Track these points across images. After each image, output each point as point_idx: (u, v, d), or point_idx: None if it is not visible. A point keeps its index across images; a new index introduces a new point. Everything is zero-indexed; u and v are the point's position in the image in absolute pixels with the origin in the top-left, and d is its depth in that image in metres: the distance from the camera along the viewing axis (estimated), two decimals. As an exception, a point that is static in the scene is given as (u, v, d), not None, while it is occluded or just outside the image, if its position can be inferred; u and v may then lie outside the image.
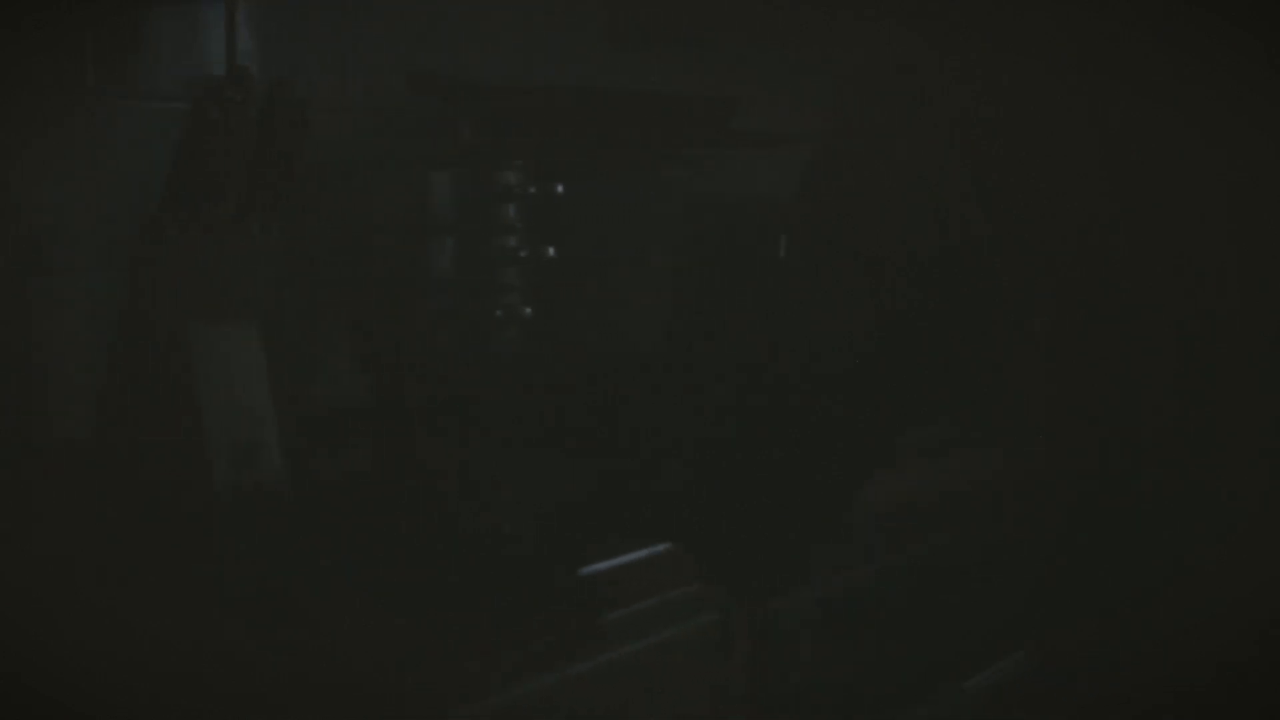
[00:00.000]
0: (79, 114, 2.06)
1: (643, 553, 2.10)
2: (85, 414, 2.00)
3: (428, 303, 2.29)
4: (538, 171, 2.33)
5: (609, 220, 2.47)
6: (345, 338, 2.26)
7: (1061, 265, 3.52)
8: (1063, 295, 3.52)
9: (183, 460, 1.91)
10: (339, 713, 1.64)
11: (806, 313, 2.74)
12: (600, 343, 2.45)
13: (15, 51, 1.99)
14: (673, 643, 2.07)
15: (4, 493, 1.90)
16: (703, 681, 2.15)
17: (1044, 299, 3.50)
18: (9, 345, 2.04)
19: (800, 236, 2.78)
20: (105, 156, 2.07)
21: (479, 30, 2.58)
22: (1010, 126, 3.51)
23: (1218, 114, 3.36)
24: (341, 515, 2.01)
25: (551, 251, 2.34)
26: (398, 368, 2.25)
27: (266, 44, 2.25)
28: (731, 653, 2.18)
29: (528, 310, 2.33)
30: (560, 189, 2.35)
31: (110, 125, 2.09)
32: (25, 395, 2.02)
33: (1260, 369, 3.40)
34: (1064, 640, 3.10)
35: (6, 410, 2.03)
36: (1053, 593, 3.17)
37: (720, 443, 2.46)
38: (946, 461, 3.01)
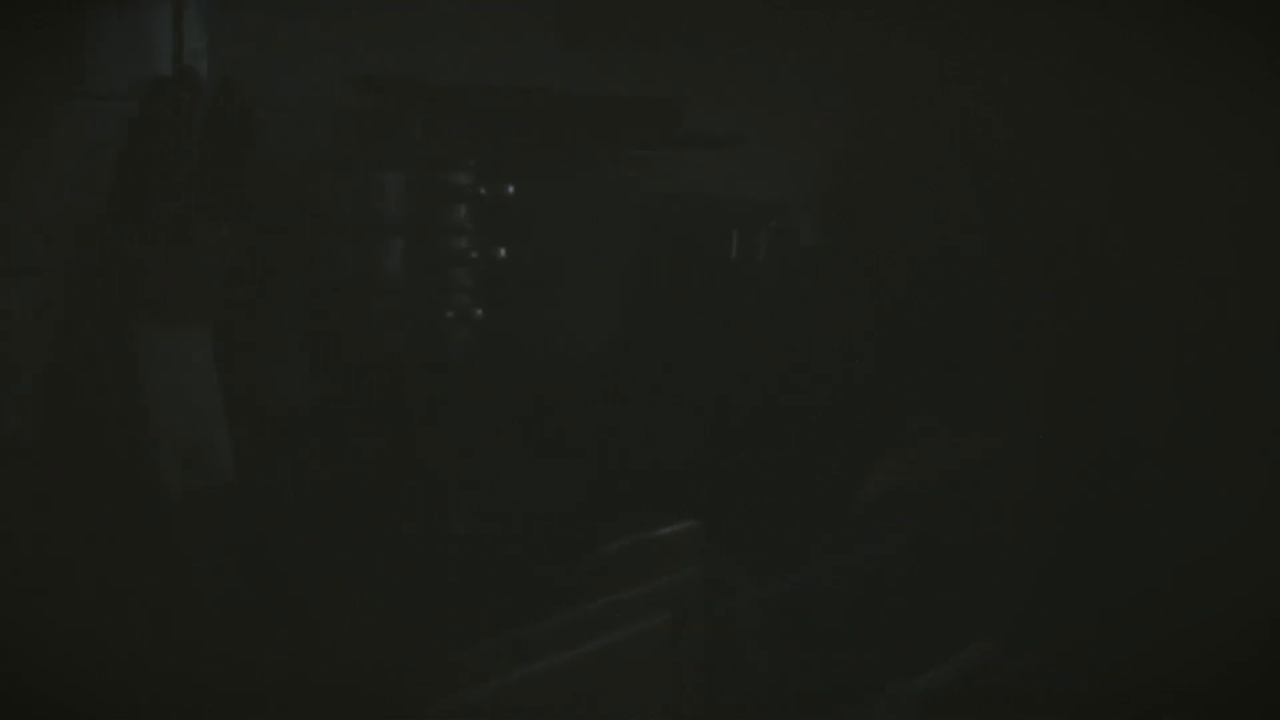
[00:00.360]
0: (25, 113, 2.04)
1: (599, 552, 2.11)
2: (32, 416, 1.98)
3: (378, 303, 2.29)
4: (489, 172, 2.32)
5: (560, 221, 2.47)
6: (295, 339, 2.24)
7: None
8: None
9: (130, 462, 1.90)
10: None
11: (761, 311, 2.74)
12: (552, 343, 2.45)
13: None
14: (626, 642, 2.08)
15: None
16: (657, 680, 2.15)
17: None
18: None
19: (755, 234, 2.78)
20: (52, 156, 2.05)
21: (430, 31, 2.57)
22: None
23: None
24: (300, 515, 2.00)
25: (503, 252, 2.34)
26: (348, 369, 2.24)
27: (215, 44, 2.23)
28: (685, 651, 2.18)
29: (479, 311, 2.33)
30: (511, 190, 2.35)
31: (56, 125, 2.06)
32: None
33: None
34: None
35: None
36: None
37: (674, 442, 2.47)
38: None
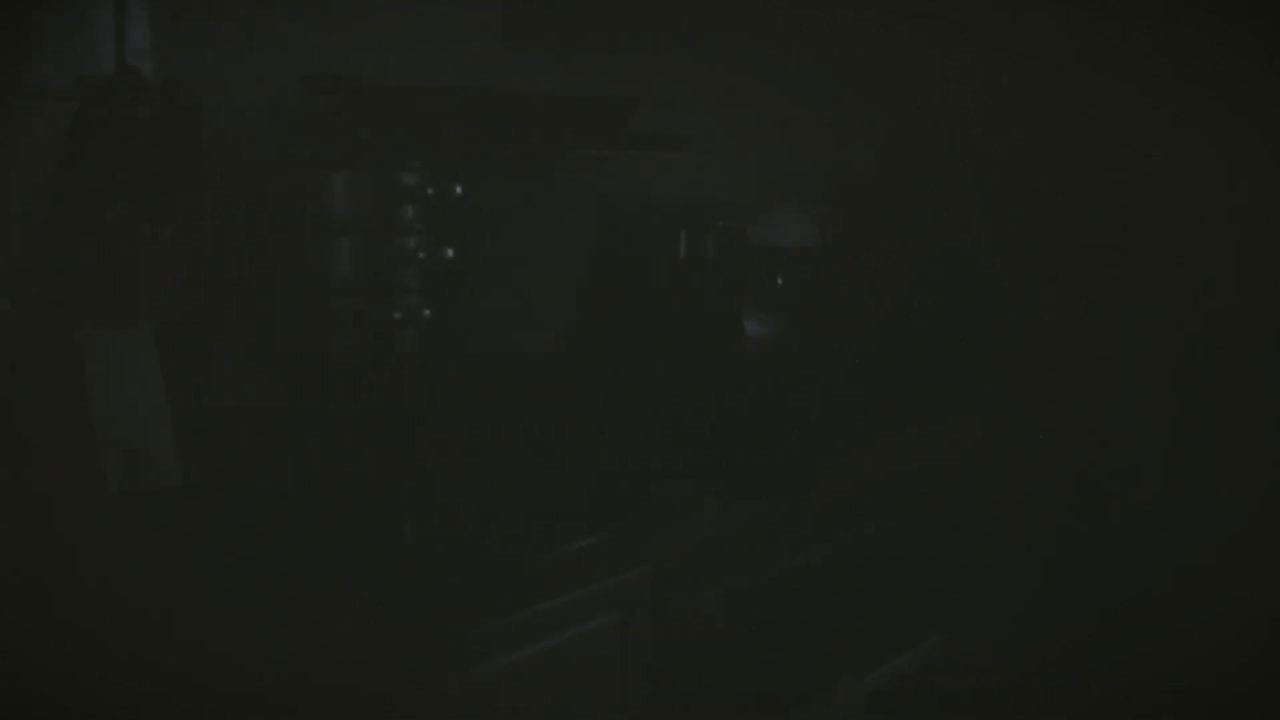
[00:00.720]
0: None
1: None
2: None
3: (327, 304, 2.27)
4: (436, 173, 2.31)
5: (508, 221, 2.46)
6: (244, 340, 2.22)
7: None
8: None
9: (75, 463, 1.89)
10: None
11: (710, 309, 2.74)
12: (502, 343, 2.44)
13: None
14: (574, 642, 2.08)
15: None
16: (602, 681, 2.15)
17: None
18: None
19: (703, 234, 2.77)
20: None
21: (377, 30, 2.54)
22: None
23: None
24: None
25: (450, 253, 2.33)
26: (299, 370, 2.22)
27: (160, 43, 2.20)
28: (630, 653, 2.19)
29: (427, 312, 2.32)
30: (459, 190, 2.34)
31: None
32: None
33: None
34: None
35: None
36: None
37: (626, 440, 2.47)
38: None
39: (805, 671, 2.58)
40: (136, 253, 2.00)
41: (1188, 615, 3.20)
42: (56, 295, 1.95)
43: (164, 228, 2.03)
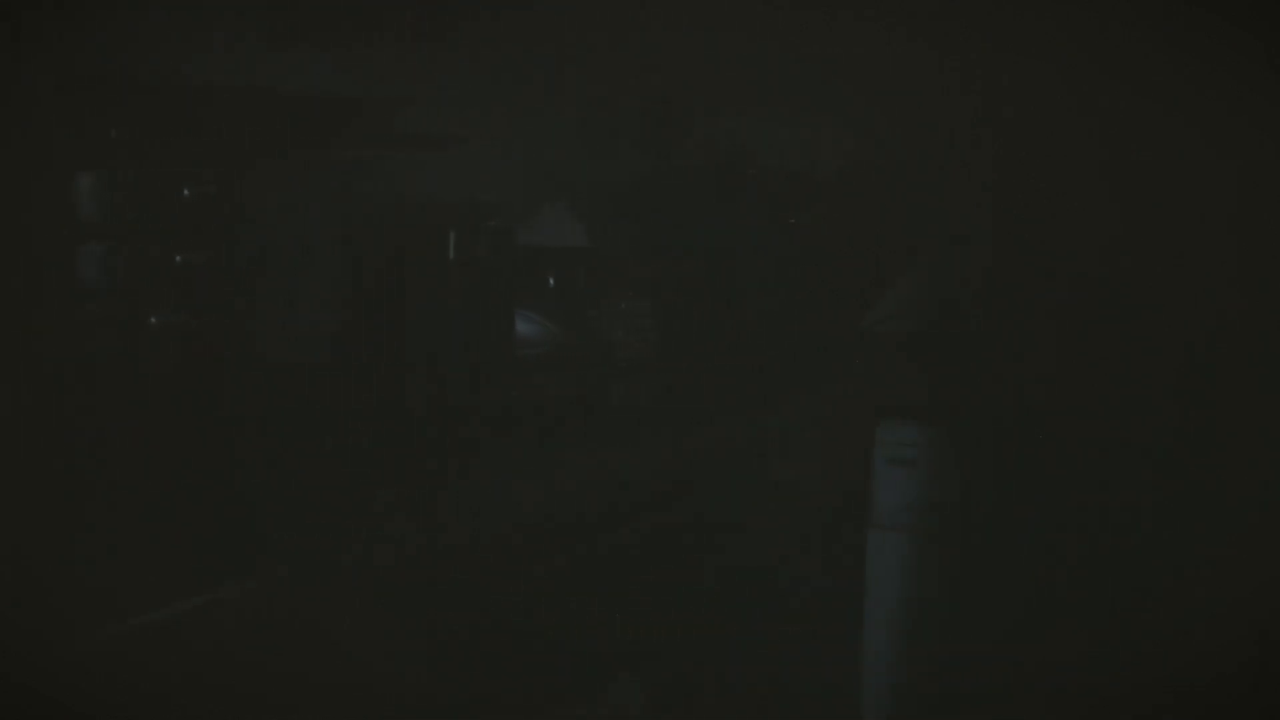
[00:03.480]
0: None
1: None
2: None
3: (81, 309, 2.23)
4: (194, 173, 2.28)
5: (269, 222, 2.43)
6: None
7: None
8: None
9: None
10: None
11: (483, 309, 2.73)
12: (263, 347, 2.41)
13: None
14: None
15: None
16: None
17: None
18: None
19: (473, 234, 2.76)
20: None
21: (134, 28, 2.49)
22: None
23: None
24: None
25: (207, 256, 2.30)
26: (47, 375, 2.19)
27: None
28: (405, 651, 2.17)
29: (184, 316, 2.29)
30: (215, 191, 2.30)
31: None
32: None
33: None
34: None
35: None
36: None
37: (396, 443, 2.46)
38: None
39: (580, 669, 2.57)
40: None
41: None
42: None
43: None
